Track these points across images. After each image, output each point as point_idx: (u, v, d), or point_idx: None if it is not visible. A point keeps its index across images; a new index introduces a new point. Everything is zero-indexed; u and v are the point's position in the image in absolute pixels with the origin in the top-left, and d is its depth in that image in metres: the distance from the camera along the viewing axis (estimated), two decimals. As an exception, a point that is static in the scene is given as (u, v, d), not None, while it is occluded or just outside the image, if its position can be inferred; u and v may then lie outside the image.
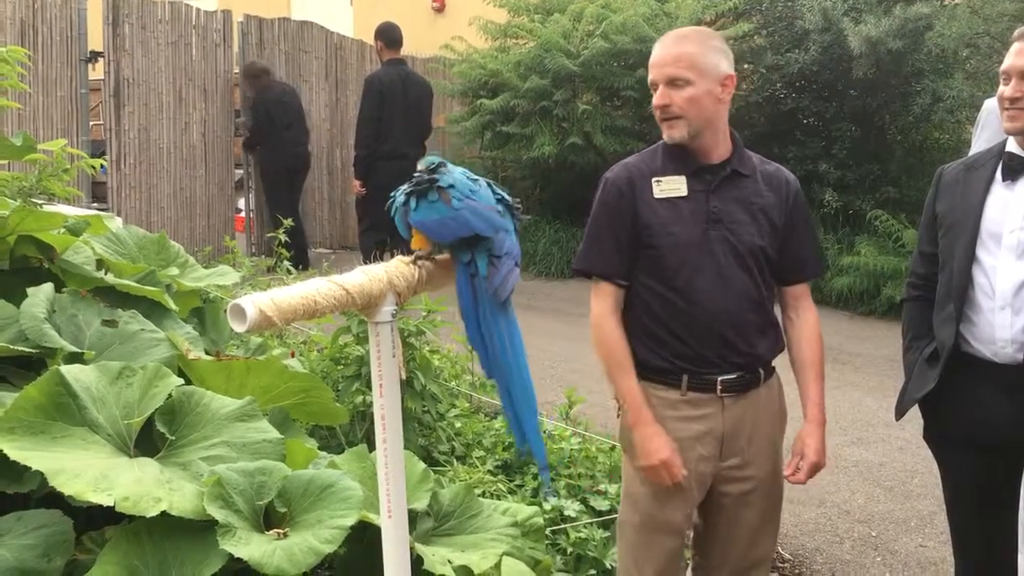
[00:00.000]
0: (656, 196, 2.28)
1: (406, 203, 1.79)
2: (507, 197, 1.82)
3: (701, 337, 2.26)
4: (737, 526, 2.36)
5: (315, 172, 9.74)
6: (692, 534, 2.50)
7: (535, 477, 3.56)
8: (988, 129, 3.89)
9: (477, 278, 1.75)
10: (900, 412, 2.53)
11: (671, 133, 2.27)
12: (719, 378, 2.27)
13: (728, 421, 2.29)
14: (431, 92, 7.64)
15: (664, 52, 2.27)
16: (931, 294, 2.45)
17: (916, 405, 2.49)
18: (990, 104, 3.95)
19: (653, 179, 2.29)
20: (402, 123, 7.20)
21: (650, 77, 2.29)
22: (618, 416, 2.42)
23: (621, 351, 2.30)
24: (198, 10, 8.85)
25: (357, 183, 7.36)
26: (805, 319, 2.43)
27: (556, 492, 3.43)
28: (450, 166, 1.85)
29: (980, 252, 2.31)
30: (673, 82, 2.23)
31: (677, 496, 2.29)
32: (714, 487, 2.33)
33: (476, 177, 1.84)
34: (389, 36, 7.40)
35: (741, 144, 2.36)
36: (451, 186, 1.76)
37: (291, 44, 9.64)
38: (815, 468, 2.34)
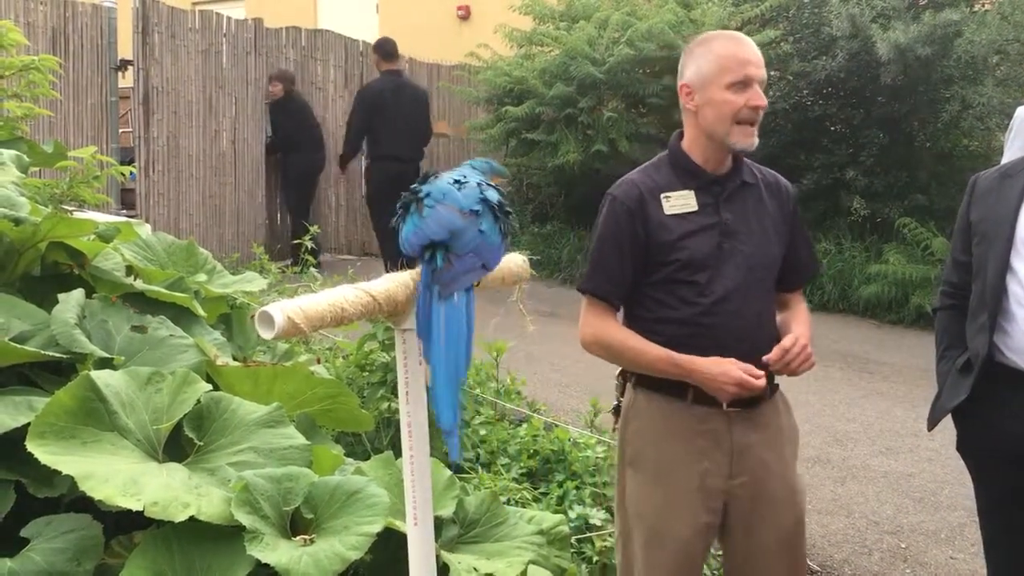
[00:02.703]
0: (667, 212, 2.22)
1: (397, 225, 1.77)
2: (492, 198, 1.76)
3: (710, 351, 2.18)
4: (753, 548, 2.27)
5: (331, 179, 9.78)
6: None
7: (560, 485, 3.55)
8: (1021, 136, 3.84)
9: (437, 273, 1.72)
10: (932, 422, 2.50)
11: (752, 141, 2.20)
12: None
13: (736, 436, 2.22)
14: (427, 99, 8.16)
15: (755, 51, 2.20)
16: (964, 303, 2.42)
17: (948, 415, 2.46)
18: (1023, 112, 3.90)
19: (662, 195, 2.23)
20: (395, 129, 7.75)
21: (743, 74, 2.16)
22: (614, 429, 2.37)
23: (630, 336, 2.22)
24: (228, 18, 8.90)
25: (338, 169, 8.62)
26: (799, 309, 2.38)
27: (580, 502, 3.41)
28: (452, 172, 1.83)
29: (1014, 261, 2.28)
30: (762, 84, 2.20)
31: (681, 509, 2.22)
32: (728, 507, 2.25)
33: (466, 176, 1.81)
34: (384, 50, 8.00)
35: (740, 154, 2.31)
36: (428, 195, 1.75)
37: (300, 52, 9.65)
38: (797, 342, 2.16)
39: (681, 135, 2.33)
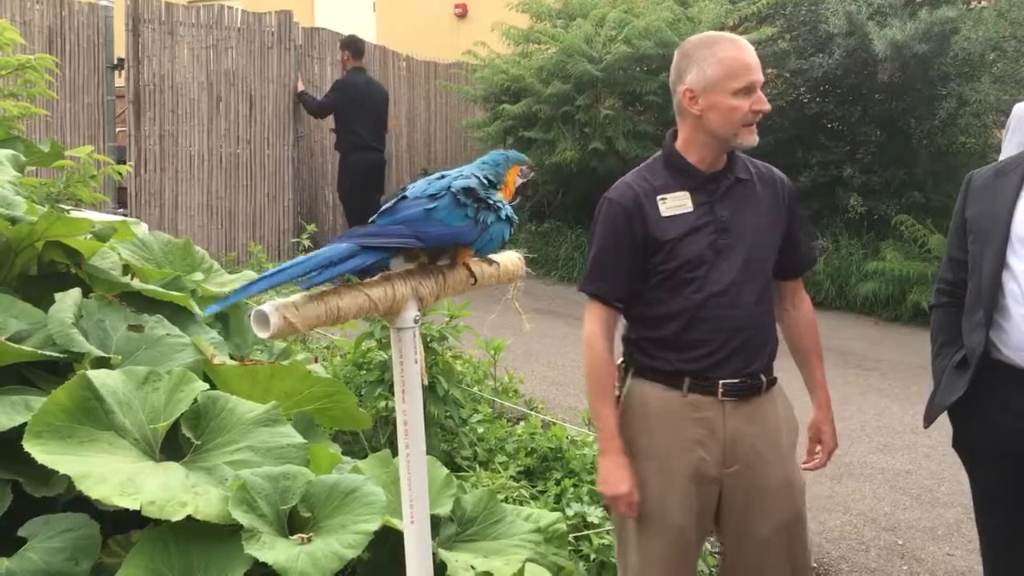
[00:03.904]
0: (663, 214, 2.26)
1: None
2: (457, 186, 1.80)
3: (706, 345, 2.25)
4: (747, 538, 2.30)
5: (329, 177, 9.73)
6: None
7: (558, 483, 3.55)
8: (1019, 133, 3.85)
9: None
10: (929, 419, 2.50)
11: (754, 138, 2.26)
12: (720, 381, 2.25)
13: (730, 426, 2.26)
14: (388, 96, 8.86)
15: (755, 57, 2.25)
16: (960, 300, 2.42)
17: (945, 412, 2.46)
18: (1021, 109, 3.90)
19: (658, 197, 2.27)
20: (369, 121, 8.31)
21: (749, 80, 2.21)
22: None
23: (607, 376, 2.30)
24: (243, 12, 8.57)
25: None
26: (802, 309, 2.47)
27: (577, 500, 3.41)
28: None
29: (1010, 257, 2.28)
30: (760, 88, 2.25)
31: (675, 495, 2.25)
32: (722, 496, 2.29)
33: (462, 172, 1.86)
34: (356, 48, 8.45)
35: (735, 151, 2.34)
36: (405, 189, 1.84)
37: (296, 50, 9.52)
38: (832, 453, 2.46)
39: (675, 135, 2.35)
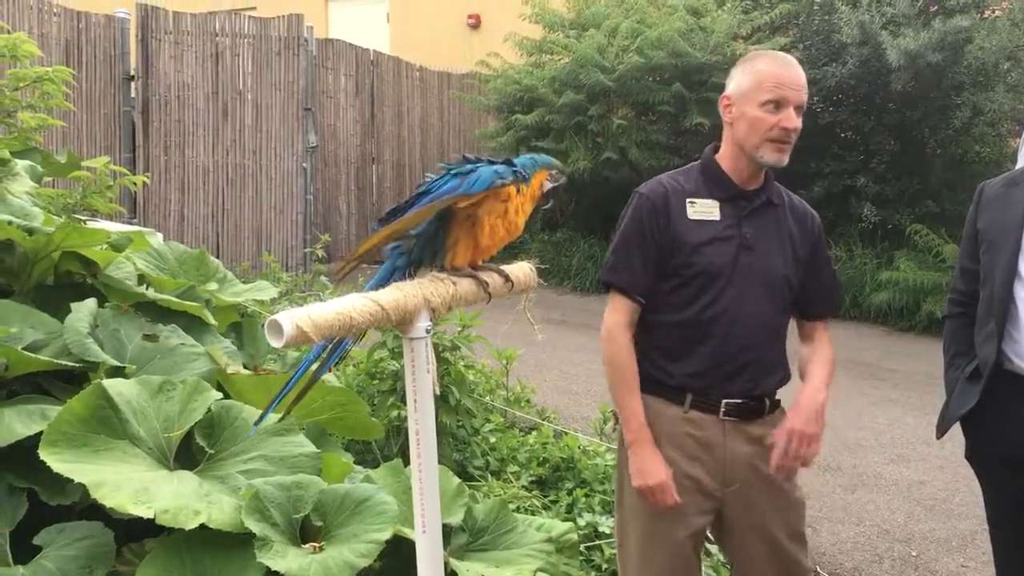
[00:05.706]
0: (690, 217, 2.27)
1: None
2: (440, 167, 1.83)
3: (713, 359, 2.23)
4: (744, 555, 2.31)
5: (343, 187, 9.77)
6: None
7: (569, 493, 3.55)
8: (1033, 143, 3.83)
9: None
10: (942, 430, 2.49)
11: (781, 157, 2.26)
12: (723, 401, 2.24)
13: (729, 445, 2.25)
14: None
15: (796, 75, 2.25)
16: (973, 311, 2.42)
17: (958, 423, 2.45)
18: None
19: (687, 200, 2.28)
20: None
21: (779, 94, 2.22)
22: (613, 430, 2.40)
23: (630, 369, 2.27)
24: (250, 18, 8.48)
25: None
26: (822, 349, 2.38)
27: (589, 510, 3.41)
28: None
29: (1022, 268, 2.28)
30: (799, 108, 2.25)
31: (674, 511, 2.24)
32: (722, 514, 2.29)
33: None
34: None
35: (771, 174, 2.36)
36: None
37: (310, 61, 9.49)
38: (795, 435, 2.18)
39: (717, 147, 2.37)
